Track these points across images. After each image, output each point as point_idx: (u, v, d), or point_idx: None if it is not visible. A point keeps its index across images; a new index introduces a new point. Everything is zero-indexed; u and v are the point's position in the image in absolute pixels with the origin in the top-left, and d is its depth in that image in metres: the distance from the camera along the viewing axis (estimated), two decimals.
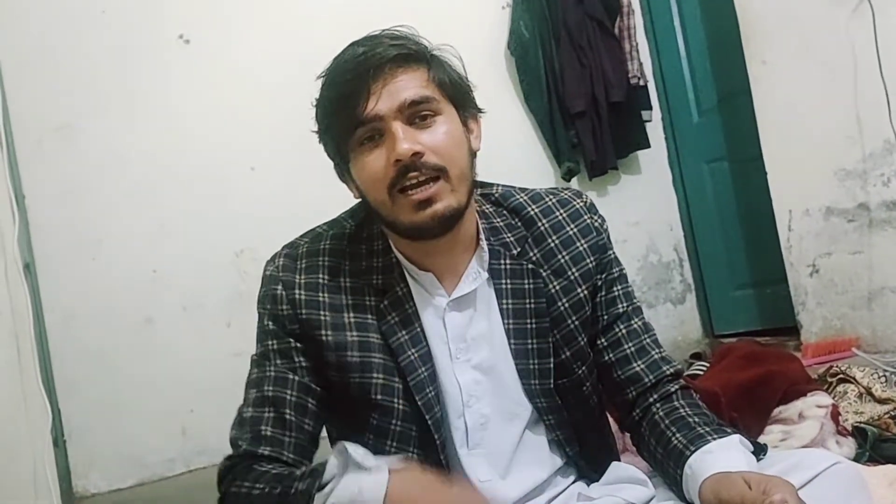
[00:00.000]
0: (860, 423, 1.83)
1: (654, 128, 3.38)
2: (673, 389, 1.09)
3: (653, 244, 3.38)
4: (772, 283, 3.06)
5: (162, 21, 2.68)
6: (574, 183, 3.20)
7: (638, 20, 3.35)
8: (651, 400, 1.09)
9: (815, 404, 1.80)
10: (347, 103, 0.98)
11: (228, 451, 1.05)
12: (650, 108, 3.32)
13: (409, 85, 0.99)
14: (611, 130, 3.16)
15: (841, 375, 2.13)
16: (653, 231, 3.39)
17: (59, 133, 2.54)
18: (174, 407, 2.53)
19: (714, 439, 0.99)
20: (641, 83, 3.25)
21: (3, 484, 2.19)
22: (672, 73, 3.43)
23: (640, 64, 3.26)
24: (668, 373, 1.11)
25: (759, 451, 1.02)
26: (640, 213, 3.33)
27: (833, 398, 1.92)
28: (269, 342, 1.07)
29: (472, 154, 1.05)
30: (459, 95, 1.05)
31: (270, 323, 1.07)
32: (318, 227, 1.13)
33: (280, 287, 1.06)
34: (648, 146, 3.29)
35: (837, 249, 2.67)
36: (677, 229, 3.46)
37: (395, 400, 1.04)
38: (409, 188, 0.98)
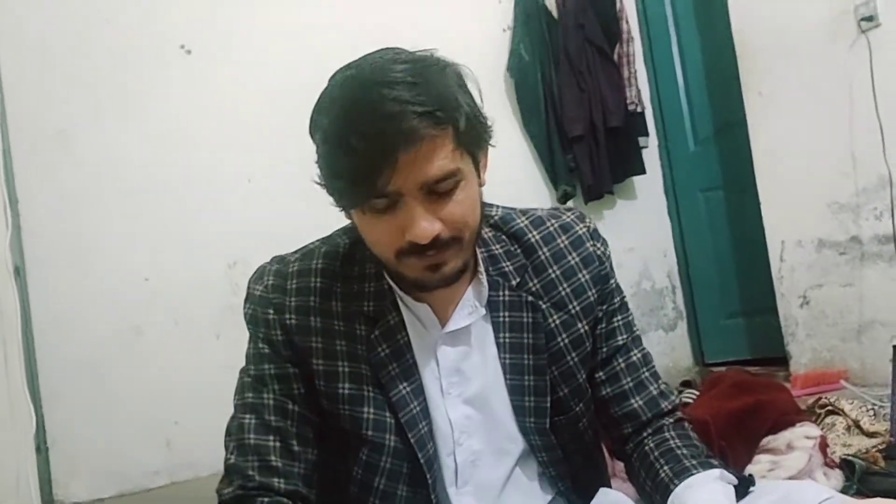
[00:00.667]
0: (848, 455, 1.83)
1: (651, 154, 3.41)
2: (667, 422, 1.07)
3: (646, 270, 3.39)
4: (762, 313, 3.07)
5: (161, 29, 2.68)
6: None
7: (637, 48, 3.39)
8: (645, 434, 1.07)
9: (803, 435, 1.79)
10: (367, 175, 0.87)
11: (212, 464, 1.02)
12: (647, 134, 3.34)
13: (434, 156, 0.87)
14: (608, 155, 3.18)
15: (829, 407, 2.13)
16: (647, 257, 3.40)
17: (55, 138, 2.52)
18: (159, 418, 2.50)
19: (696, 472, 0.98)
20: (639, 110, 3.28)
21: None
22: (670, 102, 3.46)
23: (639, 91, 3.29)
24: (665, 409, 1.08)
25: (747, 483, 1.01)
26: (635, 239, 3.34)
27: (821, 430, 1.92)
28: (266, 366, 1.02)
29: (481, 192, 0.98)
30: (478, 143, 0.95)
31: (265, 347, 1.02)
32: (312, 243, 1.08)
33: (272, 311, 1.02)
34: (644, 172, 3.31)
35: (828, 281, 2.68)
36: (671, 256, 3.47)
37: (387, 436, 0.99)
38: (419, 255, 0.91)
